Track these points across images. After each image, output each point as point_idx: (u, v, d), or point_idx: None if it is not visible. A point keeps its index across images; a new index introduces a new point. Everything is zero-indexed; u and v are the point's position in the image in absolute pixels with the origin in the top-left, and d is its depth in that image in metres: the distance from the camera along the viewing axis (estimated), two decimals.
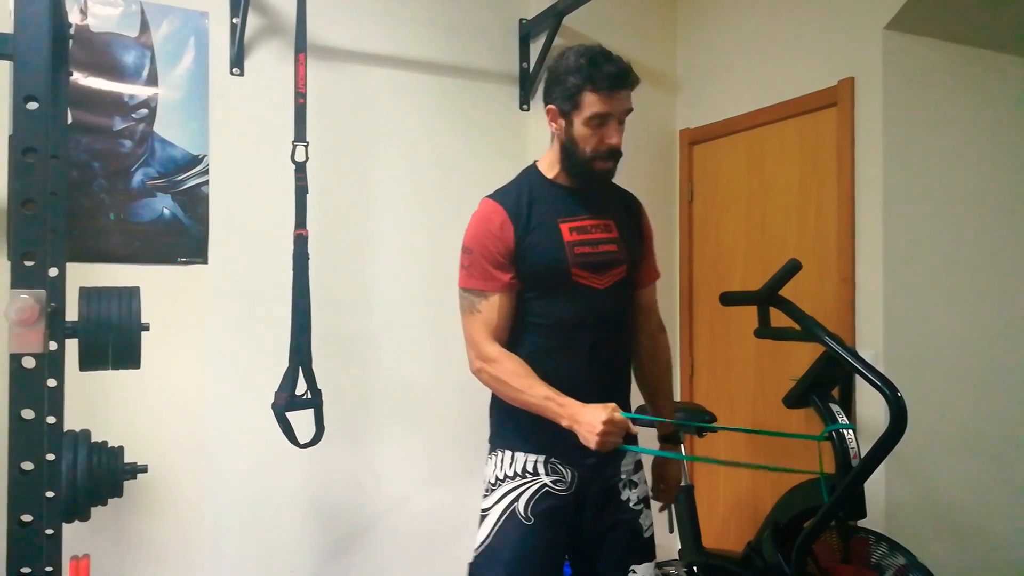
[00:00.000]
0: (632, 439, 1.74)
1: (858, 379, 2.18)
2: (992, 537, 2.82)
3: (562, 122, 1.76)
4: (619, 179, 1.95)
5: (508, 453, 1.82)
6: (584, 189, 1.83)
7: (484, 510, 1.82)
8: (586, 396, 1.66)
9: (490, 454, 1.87)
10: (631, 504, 1.84)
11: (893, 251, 2.62)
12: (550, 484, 1.78)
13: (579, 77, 1.70)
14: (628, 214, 1.91)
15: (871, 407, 2.54)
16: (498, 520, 1.78)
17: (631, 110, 1.75)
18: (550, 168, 1.83)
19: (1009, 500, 2.86)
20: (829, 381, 2.22)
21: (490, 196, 1.83)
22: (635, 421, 1.66)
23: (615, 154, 1.75)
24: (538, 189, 1.82)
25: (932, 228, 2.71)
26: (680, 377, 3.48)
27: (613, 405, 1.62)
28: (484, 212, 1.79)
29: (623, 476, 1.84)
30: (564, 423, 1.64)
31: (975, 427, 2.78)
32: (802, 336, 2.15)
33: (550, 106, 1.78)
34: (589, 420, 1.59)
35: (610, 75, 1.68)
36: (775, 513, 2.34)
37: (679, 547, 2.62)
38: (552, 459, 1.78)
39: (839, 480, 2.02)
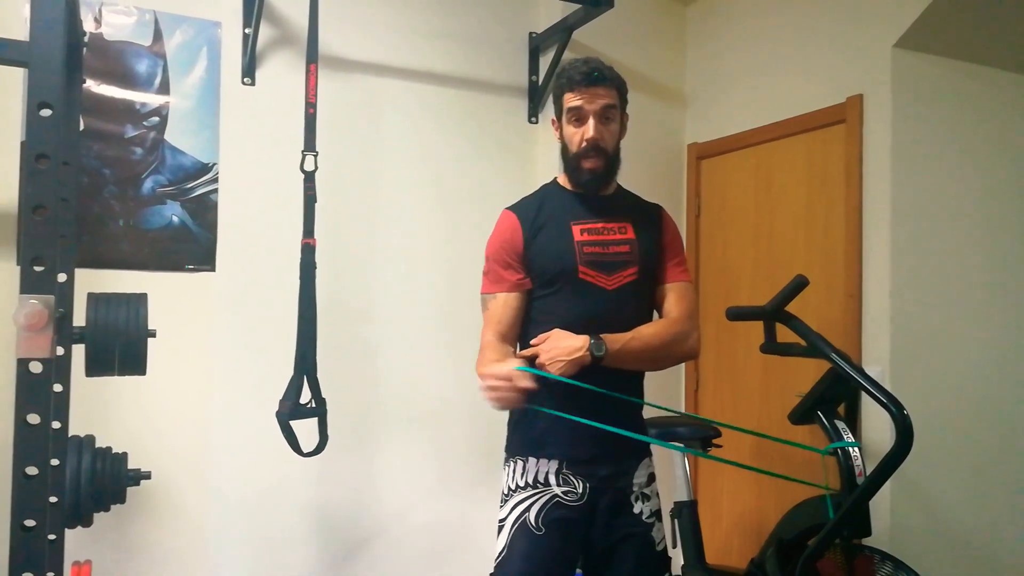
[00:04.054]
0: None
1: (864, 396, 2.17)
2: (998, 557, 2.79)
3: (558, 129, 1.88)
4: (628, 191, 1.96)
5: (520, 463, 1.85)
6: (598, 195, 1.89)
7: (500, 520, 1.85)
8: (583, 392, 1.71)
9: (505, 463, 1.90)
10: (643, 517, 1.85)
11: (900, 268, 2.61)
12: (561, 495, 1.80)
13: (559, 81, 1.84)
14: (648, 220, 1.93)
15: (877, 425, 2.53)
16: (512, 530, 1.81)
17: (611, 105, 1.82)
18: (565, 178, 1.92)
19: (1016, 520, 2.83)
20: (835, 398, 2.21)
21: (508, 207, 1.93)
22: (536, 376, 1.65)
23: (597, 149, 1.81)
24: (553, 197, 1.91)
25: (939, 245, 2.70)
26: (685, 391, 3.47)
27: (513, 361, 1.68)
28: (499, 220, 1.91)
29: (635, 488, 1.85)
30: None
31: (982, 446, 2.76)
32: (808, 352, 2.15)
33: (552, 118, 1.92)
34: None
35: (581, 72, 1.79)
36: (779, 530, 2.33)
37: (682, 563, 2.60)
38: (564, 469, 1.80)
39: (844, 498, 2.01)
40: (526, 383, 1.60)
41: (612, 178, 1.90)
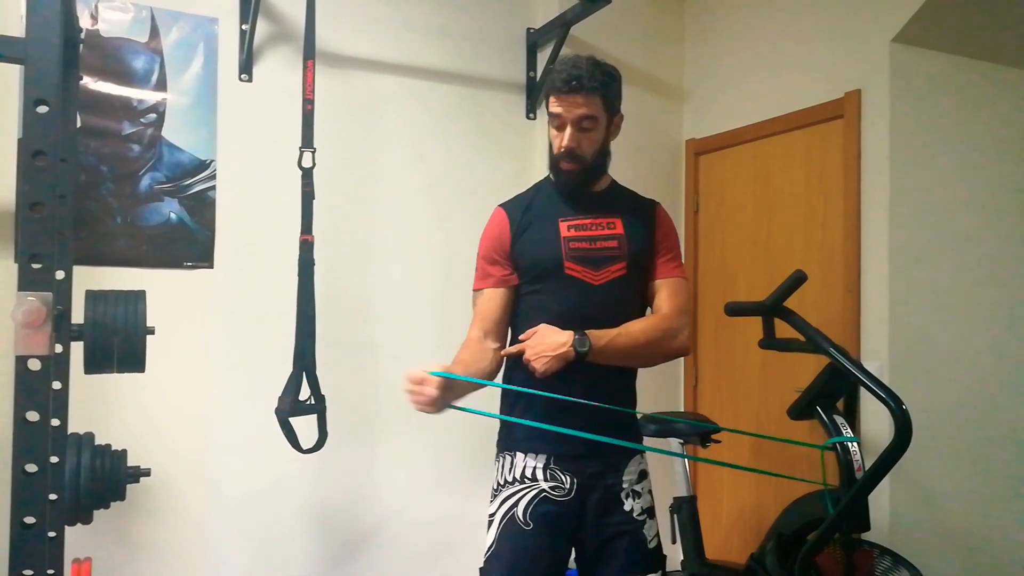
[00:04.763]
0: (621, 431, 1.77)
1: (863, 391, 2.17)
2: (996, 551, 2.80)
3: (548, 127, 1.88)
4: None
5: (509, 458, 1.86)
6: (590, 191, 1.89)
7: (490, 515, 1.86)
8: (571, 389, 1.72)
9: (496, 458, 1.91)
10: (634, 514, 1.84)
11: (899, 263, 2.61)
12: (548, 490, 1.80)
13: (547, 81, 1.85)
14: (641, 216, 1.91)
15: (876, 420, 2.53)
16: (500, 525, 1.82)
17: (589, 116, 1.77)
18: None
19: (1014, 514, 2.84)
20: (834, 393, 2.21)
21: (500, 204, 1.95)
22: (452, 380, 1.63)
23: (573, 156, 1.80)
24: (544, 194, 1.92)
25: (938, 240, 2.71)
26: (684, 387, 3.47)
27: (430, 365, 1.62)
28: (490, 218, 1.93)
29: (625, 485, 1.85)
30: None
31: (980, 440, 2.77)
32: (807, 347, 2.15)
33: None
34: None
35: (561, 79, 1.77)
36: (778, 525, 2.33)
37: (681, 558, 2.60)
38: (552, 465, 1.81)
39: (843, 493, 2.01)
40: (434, 390, 1.57)
41: (591, 180, 1.88)
